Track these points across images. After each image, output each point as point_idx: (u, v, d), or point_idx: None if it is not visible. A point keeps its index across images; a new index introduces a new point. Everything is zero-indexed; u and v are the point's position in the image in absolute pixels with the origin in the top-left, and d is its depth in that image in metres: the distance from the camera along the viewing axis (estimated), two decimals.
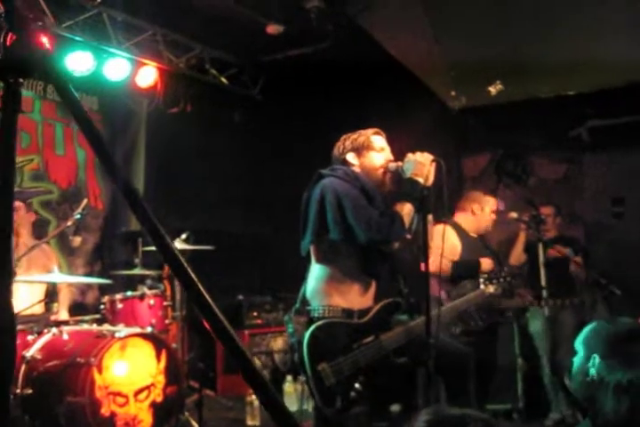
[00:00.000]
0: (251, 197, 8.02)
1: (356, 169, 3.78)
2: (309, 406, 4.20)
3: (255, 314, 7.35)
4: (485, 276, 4.33)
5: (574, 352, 2.50)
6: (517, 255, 6.30)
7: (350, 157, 3.80)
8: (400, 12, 6.17)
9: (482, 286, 4.31)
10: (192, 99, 7.60)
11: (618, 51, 5.87)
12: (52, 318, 5.45)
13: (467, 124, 7.51)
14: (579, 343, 2.53)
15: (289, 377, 6.46)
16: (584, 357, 2.46)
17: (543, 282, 5.91)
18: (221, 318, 1.03)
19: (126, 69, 6.72)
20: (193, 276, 1.04)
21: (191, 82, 7.55)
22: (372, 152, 3.79)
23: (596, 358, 2.36)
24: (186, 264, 1.06)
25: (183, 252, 5.87)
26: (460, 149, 8.01)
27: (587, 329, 2.56)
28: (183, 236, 5.86)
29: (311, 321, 3.53)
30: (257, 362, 7.12)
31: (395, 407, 5.99)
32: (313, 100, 7.45)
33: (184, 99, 7.57)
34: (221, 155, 7.64)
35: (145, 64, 6.95)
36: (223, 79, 7.75)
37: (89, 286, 6.46)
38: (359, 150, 3.79)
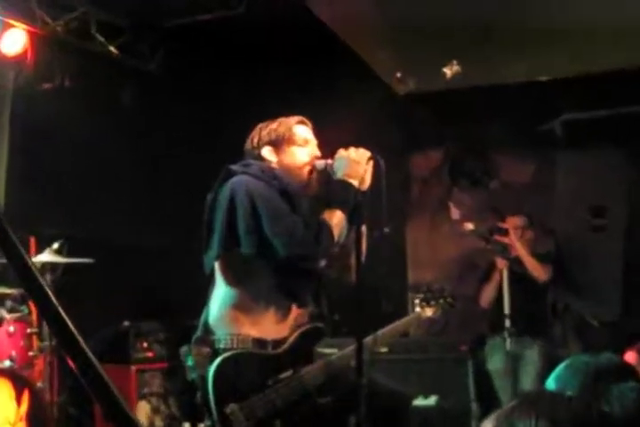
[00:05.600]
0: (142, 200, 7.95)
1: (275, 167, 3.78)
2: None
3: (145, 345, 7.29)
4: (422, 296, 4.31)
5: None
6: (489, 297, 6.29)
7: (266, 152, 3.79)
8: None
9: (417, 309, 4.31)
10: (72, 72, 7.51)
11: (617, 22, 5.89)
12: None
13: (416, 114, 7.60)
14: (551, 380, 2.63)
15: (187, 425, 6.46)
16: None
17: (507, 309, 6.01)
18: (88, 353, 1.03)
19: None
20: (56, 305, 1.05)
21: (71, 50, 7.46)
22: (293, 147, 3.79)
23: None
24: (46, 288, 1.07)
25: (55, 265, 5.82)
26: (407, 145, 8.10)
27: (562, 365, 2.67)
28: (55, 245, 5.81)
29: (216, 353, 3.55)
30: (146, 407, 7.07)
31: None
32: (225, 77, 7.44)
33: (61, 71, 7.47)
34: (107, 144, 7.54)
35: (12, 26, 6.84)
36: (113, 48, 7.67)
37: None
38: (278, 144, 3.78)
